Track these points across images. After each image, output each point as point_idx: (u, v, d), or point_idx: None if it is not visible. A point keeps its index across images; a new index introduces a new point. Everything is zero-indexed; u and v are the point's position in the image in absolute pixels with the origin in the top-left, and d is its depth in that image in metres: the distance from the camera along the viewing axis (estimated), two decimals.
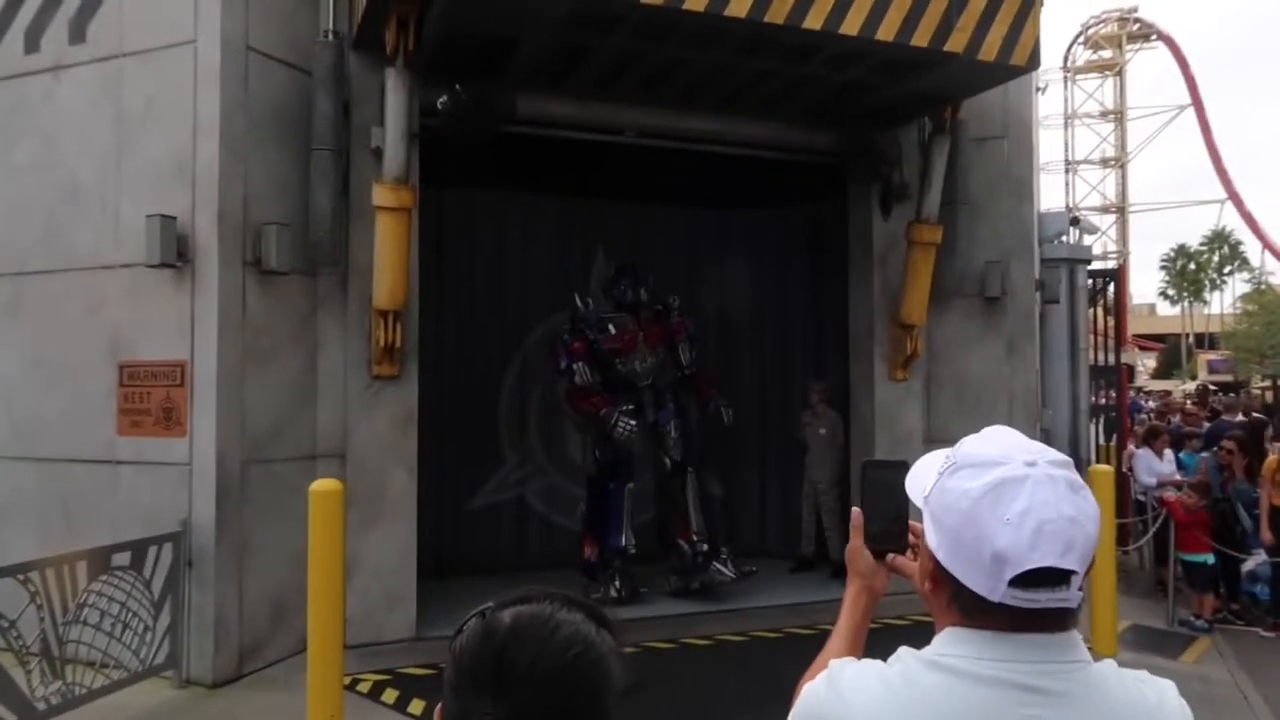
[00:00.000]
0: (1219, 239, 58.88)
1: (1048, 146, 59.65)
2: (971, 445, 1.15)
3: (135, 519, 5.66)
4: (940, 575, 1.13)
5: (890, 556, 1.41)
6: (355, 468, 6.28)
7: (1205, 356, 49.38)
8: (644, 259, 8.91)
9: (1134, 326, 55.68)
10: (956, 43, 6.07)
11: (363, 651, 5.94)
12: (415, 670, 5.70)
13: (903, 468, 1.35)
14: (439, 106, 6.35)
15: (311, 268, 6.30)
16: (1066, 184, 59.29)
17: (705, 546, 7.39)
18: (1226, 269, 58.94)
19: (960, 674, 1.08)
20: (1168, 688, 1.14)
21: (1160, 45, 58.96)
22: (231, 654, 5.68)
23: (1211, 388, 27.64)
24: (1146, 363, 50.76)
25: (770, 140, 7.61)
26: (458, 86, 6.33)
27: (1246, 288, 50.71)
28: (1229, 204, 56.06)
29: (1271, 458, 7.54)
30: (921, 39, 5.98)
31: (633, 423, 7.34)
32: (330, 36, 6.22)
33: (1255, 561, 7.80)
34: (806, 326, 9.26)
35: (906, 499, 1.32)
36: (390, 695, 5.38)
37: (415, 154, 6.36)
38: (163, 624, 5.41)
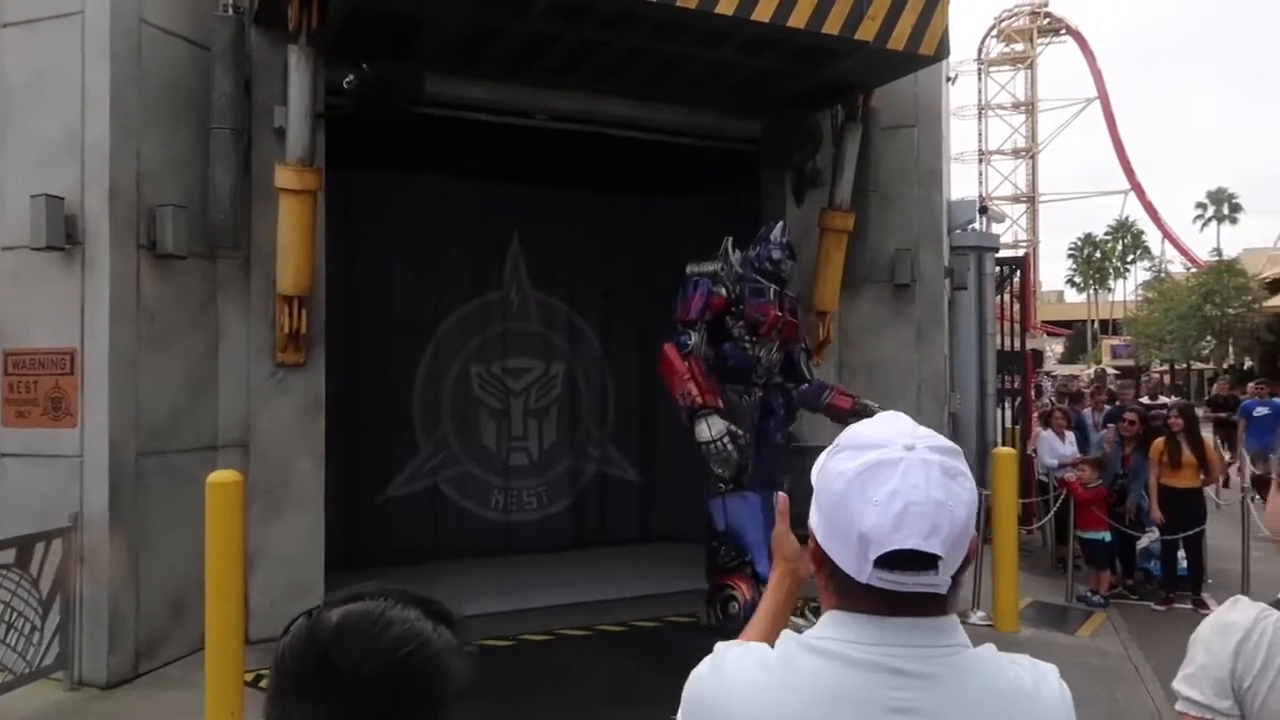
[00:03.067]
0: (1122, 229, 61.32)
1: (962, 137, 61.16)
2: (858, 428, 1.16)
3: (23, 514, 5.39)
4: (820, 556, 1.13)
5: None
6: (259, 458, 6.10)
7: (1109, 342, 51.44)
8: (561, 245, 8.89)
9: (1043, 313, 57.71)
10: (867, 31, 6.14)
11: (267, 646, 5.74)
12: None
13: None
14: (345, 86, 6.17)
15: (211, 251, 6.08)
16: (980, 174, 61.00)
17: None
18: (1129, 257, 61.38)
19: (834, 657, 1.08)
20: (1048, 672, 1.14)
21: (1069, 40, 60.93)
22: (127, 653, 5.47)
23: (1112, 372, 28.76)
24: (1055, 348, 52.64)
25: (686, 126, 7.61)
26: (364, 65, 6.16)
27: (1148, 275, 52.80)
28: (1132, 195, 58.40)
29: (1159, 440, 7.84)
30: (832, 27, 6.03)
31: (734, 446, 5.53)
32: (230, 11, 5.98)
33: (1149, 539, 8.13)
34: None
35: None
36: None
37: (320, 135, 6.17)
38: (52, 624, 5.17)
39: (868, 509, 1.05)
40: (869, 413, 5.93)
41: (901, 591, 1.06)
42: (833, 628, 1.11)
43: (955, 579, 1.10)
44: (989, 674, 1.09)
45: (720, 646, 1.19)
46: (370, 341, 8.25)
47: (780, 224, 6.32)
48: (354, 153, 7.07)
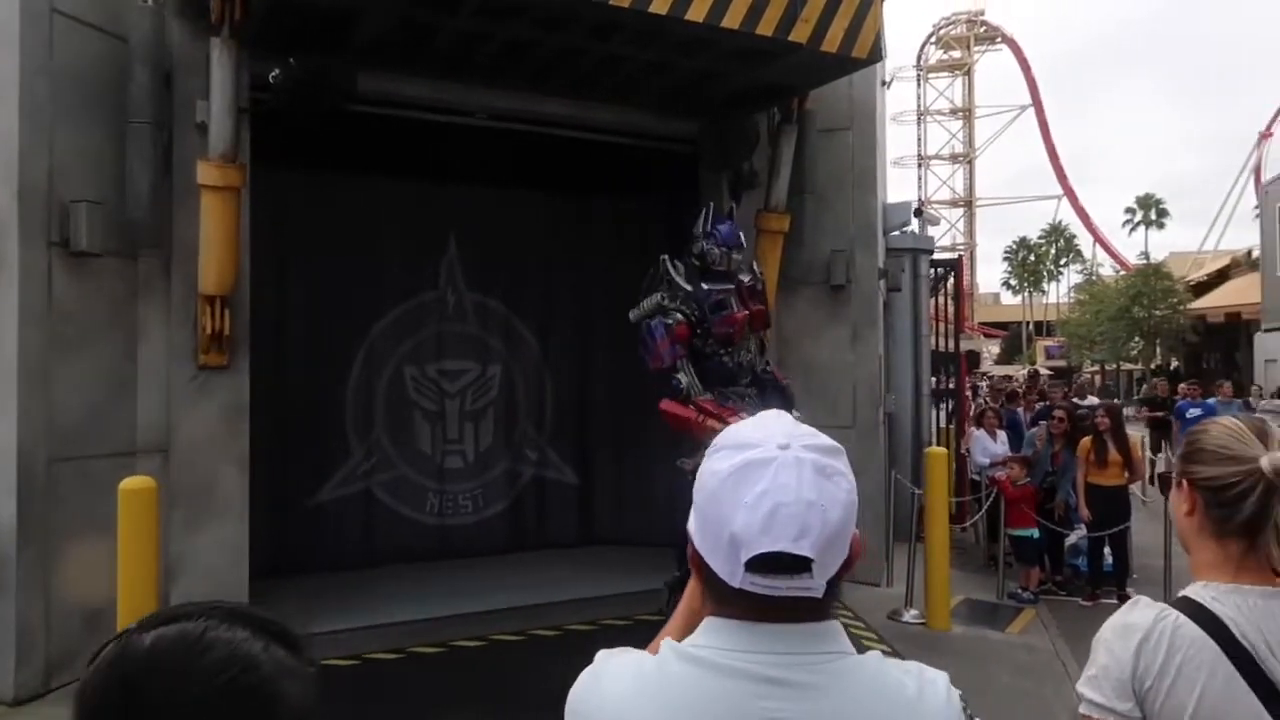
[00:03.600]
0: (1056, 233, 62.85)
1: (902, 142, 62.18)
2: (737, 428, 1.12)
3: None
4: (697, 560, 1.10)
5: None
6: (181, 464, 5.91)
7: (1043, 343, 52.72)
8: (498, 246, 8.78)
9: (980, 315, 58.89)
10: (800, 33, 6.16)
11: None
12: None
13: None
14: (271, 80, 6.01)
15: (130, 249, 5.86)
16: (919, 178, 62.08)
17: None
18: (1062, 261, 62.93)
19: (705, 665, 1.05)
20: (936, 679, 1.10)
21: (1005, 48, 62.30)
22: (36, 668, 5.25)
23: (1046, 372, 29.44)
24: (991, 349, 53.73)
25: (624, 126, 7.57)
26: (291, 60, 6.01)
27: (1079, 278, 54.18)
28: (1065, 200, 59.88)
29: (1085, 439, 8.02)
30: (766, 28, 6.04)
31: None
32: (149, 1, 5.79)
33: (1077, 535, 8.30)
34: None
35: None
36: None
37: (245, 130, 6.01)
38: None
39: (738, 510, 1.02)
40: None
41: (776, 596, 1.02)
42: (708, 635, 1.08)
43: (834, 583, 1.06)
44: (869, 682, 1.05)
45: (602, 655, 1.15)
46: (301, 343, 8.06)
47: (705, 210, 5.99)
48: (286, 151, 6.92)
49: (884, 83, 9.49)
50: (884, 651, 5.20)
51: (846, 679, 1.05)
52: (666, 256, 5.90)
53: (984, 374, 30.30)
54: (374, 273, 8.38)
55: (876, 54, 6.54)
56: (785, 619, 1.04)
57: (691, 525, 1.10)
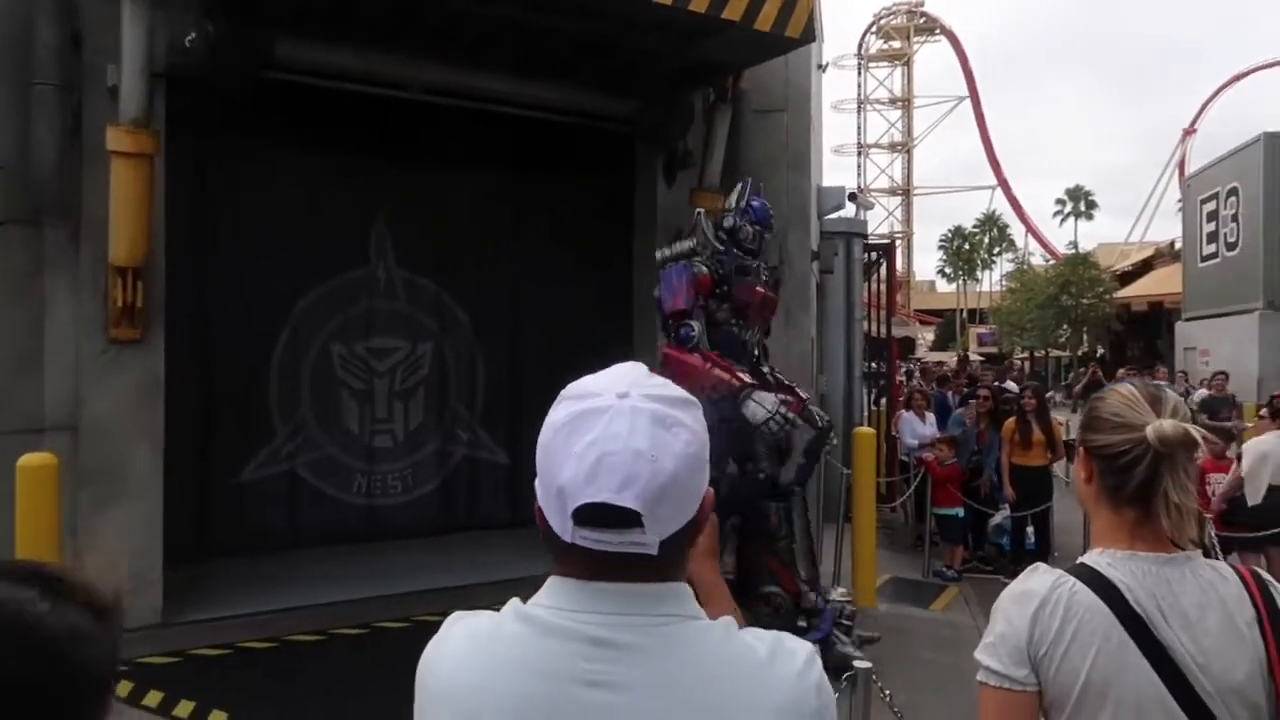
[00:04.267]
0: (990, 222, 64.03)
1: (844, 130, 62.79)
2: (584, 379, 1.07)
3: None
4: (540, 516, 1.06)
5: None
6: (90, 441, 5.68)
7: (976, 330, 53.78)
8: (431, 223, 8.60)
9: (916, 302, 59.88)
10: (734, 10, 6.11)
11: None
12: (156, 660, 5.25)
13: None
14: (187, 44, 5.79)
15: (35, 218, 5.61)
16: (859, 166, 62.75)
17: (823, 603, 5.51)
18: (996, 250, 64.20)
19: (537, 624, 1.01)
20: (797, 650, 1.04)
21: (944, 39, 63.18)
22: None
23: (978, 358, 30.08)
24: (927, 335, 54.69)
25: (562, 104, 7.45)
26: (209, 25, 5.79)
27: (1011, 267, 55.36)
28: (999, 190, 61.07)
29: (1010, 420, 8.19)
30: (699, 4, 5.97)
31: (788, 412, 4.96)
32: None
33: (1001, 515, 8.48)
34: (601, 294, 9.17)
35: None
36: (124, 688, 4.90)
37: (160, 95, 5.77)
38: None
39: (568, 460, 0.98)
40: (810, 415, 5.61)
41: (611, 553, 0.97)
42: (546, 593, 1.04)
43: (676, 542, 1.01)
44: (710, 648, 1.00)
45: (451, 617, 1.11)
46: (223, 319, 7.80)
47: (743, 184, 5.75)
48: (208, 120, 6.66)
49: (820, 66, 9.53)
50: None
51: (680, 644, 0.99)
52: (702, 211, 5.70)
53: (918, 359, 30.84)
54: (300, 248, 8.14)
55: (810, 34, 6.52)
56: (620, 578, 1.00)
57: (537, 482, 1.06)
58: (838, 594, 7.04)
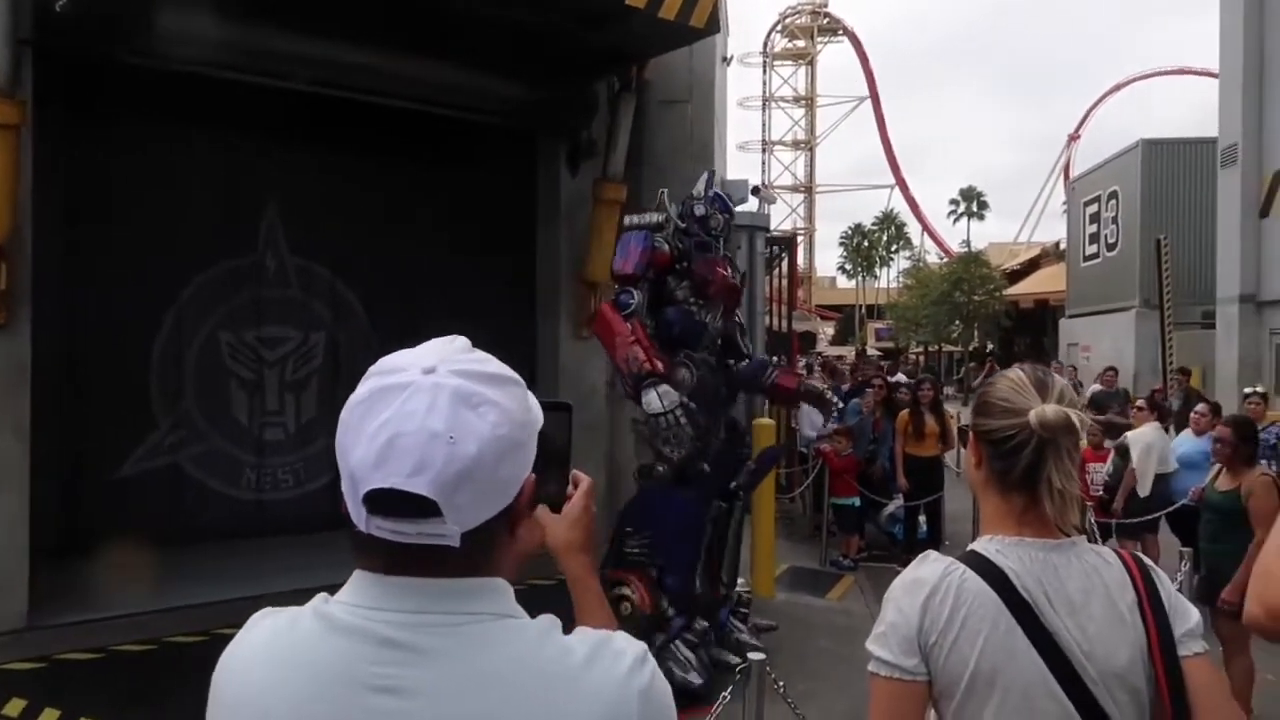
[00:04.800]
0: (888, 220, 65.76)
1: (749, 127, 63.55)
2: (397, 353, 0.98)
3: None
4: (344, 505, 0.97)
5: (542, 509, 1.21)
6: None
7: (874, 325, 55.21)
8: (325, 209, 8.29)
9: (817, 297, 61.07)
10: None
11: None
12: (19, 665, 4.93)
13: (567, 410, 1.17)
14: (58, 9, 5.42)
15: None
16: (763, 162, 63.63)
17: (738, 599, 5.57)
18: (893, 247, 65.97)
19: (330, 623, 0.92)
20: (625, 652, 0.94)
21: (846, 40, 64.50)
22: None
23: (875, 353, 30.88)
24: (828, 330, 55.88)
25: (460, 88, 7.27)
26: None
27: (908, 264, 56.98)
28: (897, 189, 62.78)
29: (903, 412, 8.39)
30: None
31: (689, 420, 4.75)
32: None
33: (894, 504, 8.68)
34: (503, 283, 9.00)
35: (569, 445, 1.16)
36: None
37: (26, 64, 5.42)
38: None
39: (359, 442, 0.89)
40: (815, 394, 5.74)
41: (408, 544, 0.89)
42: (347, 588, 0.95)
43: (488, 533, 0.92)
44: (517, 651, 0.91)
45: (258, 614, 1.01)
46: (98, 305, 7.36)
47: (709, 173, 5.69)
48: (85, 97, 6.27)
49: (724, 59, 9.57)
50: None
51: (484, 645, 0.90)
52: (665, 191, 5.50)
53: (819, 353, 31.47)
54: (186, 232, 7.74)
55: (714, 25, 6.52)
56: (421, 571, 0.91)
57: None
58: (737, 584, 7.11)
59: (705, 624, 5.13)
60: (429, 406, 0.88)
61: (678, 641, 4.94)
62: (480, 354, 0.97)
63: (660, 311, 5.14)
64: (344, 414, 0.93)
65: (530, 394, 1.11)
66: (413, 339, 1.02)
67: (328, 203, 8.23)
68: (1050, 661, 1.45)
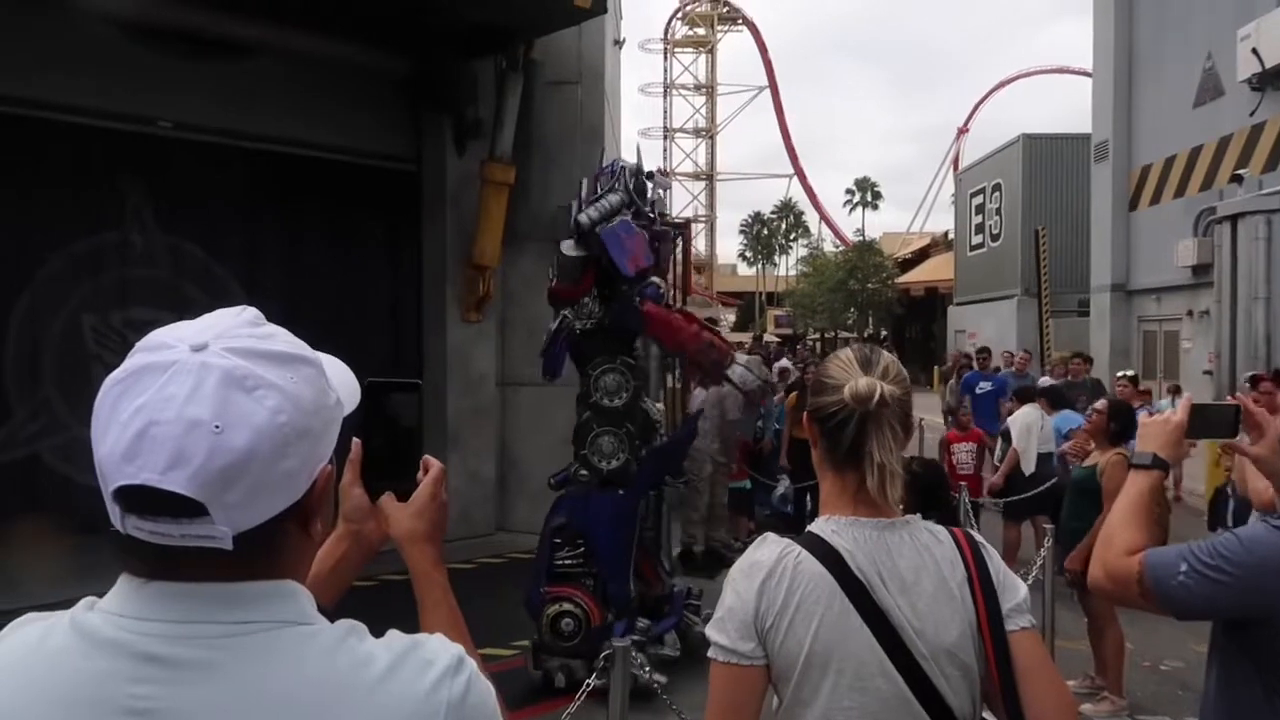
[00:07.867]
0: (787, 209, 66.87)
1: (651, 113, 63.62)
2: (170, 326, 0.86)
3: None
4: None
5: (386, 498, 1.14)
6: None
7: (773, 312, 56.17)
8: (195, 187, 7.89)
9: (719, 284, 61.72)
10: None
11: None
12: None
13: (415, 390, 1.09)
14: None
15: None
16: (664, 149, 63.83)
17: (682, 591, 5.42)
18: (792, 235, 67.17)
19: (86, 636, 0.80)
20: (436, 660, 0.86)
21: (745, 30, 65.16)
22: None
23: (773, 339, 31.41)
24: (729, 317, 56.59)
25: (331, 55, 7.00)
26: None
27: (806, 252, 58.14)
28: (795, 179, 63.87)
29: (792, 395, 8.51)
30: None
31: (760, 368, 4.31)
32: None
33: (783, 485, 8.81)
34: (387, 264, 8.73)
35: (420, 429, 1.08)
36: None
37: None
38: None
39: (110, 429, 0.78)
40: (711, 361, 5.02)
41: (173, 546, 0.78)
42: (110, 595, 0.83)
43: (275, 531, 0.82)
44: (303, 662, 0.81)
45: (16, 621, 0.88)
46: None
47: (638, 152, 5.45)
48: None
49: (616, 41, 9.49)
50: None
51: (263, 657, 0.80)
52: (625, 166, 5.07)
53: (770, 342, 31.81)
54: (38, 209, 7.26)
55: (600, 6, 6.47)
56: (191, 576, 0.80)
57: None
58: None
59: (647, 622, 5.00)
60: (192, 391, 0.78)
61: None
62: (269, 328, 0.87)
63: (609, 305, 4.87)
64: (100, 395, 0.81)
65: (341, 373, 1.01)
66: (292, 321, 0.91)
67: (198, 178, 7.82)
68: (882, 640, 1.44)
